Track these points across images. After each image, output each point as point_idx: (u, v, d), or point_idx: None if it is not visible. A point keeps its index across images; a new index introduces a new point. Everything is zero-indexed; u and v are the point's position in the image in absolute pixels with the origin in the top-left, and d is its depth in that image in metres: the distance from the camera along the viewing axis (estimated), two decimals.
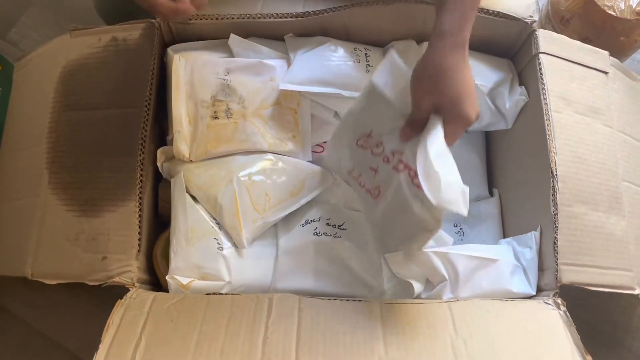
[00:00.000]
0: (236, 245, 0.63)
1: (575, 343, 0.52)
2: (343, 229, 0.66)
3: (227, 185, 0.62)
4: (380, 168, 0.57)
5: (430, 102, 0.50)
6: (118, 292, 0.56)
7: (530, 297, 0.61)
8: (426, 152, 0.48)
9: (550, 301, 0.57)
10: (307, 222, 0.66)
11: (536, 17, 0.69)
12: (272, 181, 0.65)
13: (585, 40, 0.75)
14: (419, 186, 0.48)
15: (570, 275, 0.58)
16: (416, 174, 0.48)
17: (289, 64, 0.68)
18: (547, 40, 0.68)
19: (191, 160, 0.65)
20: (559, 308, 0.56)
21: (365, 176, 0.59)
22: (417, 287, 0.61)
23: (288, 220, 0.67)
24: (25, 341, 0.73)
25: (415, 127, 0.52)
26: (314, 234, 0.65)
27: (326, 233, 0.65)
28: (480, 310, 0.55)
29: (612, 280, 0.60)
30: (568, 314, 0.55)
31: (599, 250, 0.60)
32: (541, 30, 0.69)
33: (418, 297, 0.62)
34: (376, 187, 0.58)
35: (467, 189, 0.49)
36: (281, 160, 0.67)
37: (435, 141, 0.49)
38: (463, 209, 0.47)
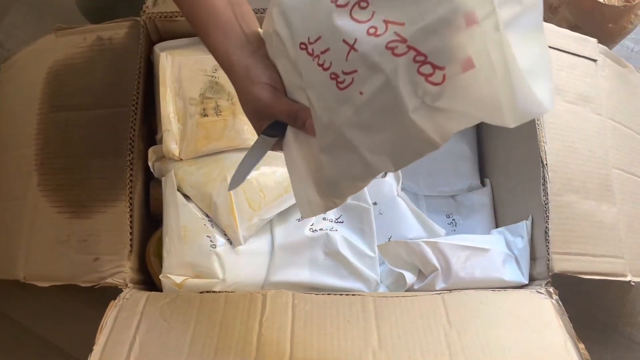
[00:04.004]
0: (229, 242, 0.63)
1: (568, 332, 0.53)
2: (339, 222, 0.66)
3: (221, 184, 0.62)
4: (361, 44, 0.36)
5: None
6: (112, 291, 0.56)
7: (522, 286, 0.62)
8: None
9: (543, 290, 0.57)
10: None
11: None
12: (267, 177, 0.64)
13: (574, 28, 0.74)
14: (428, 77, 0.34)
15: (562, 264, 0.58)
16: (426, 59, 0.33)
17: None
18: None
19: (181, 159, 0.65)
20: (551, 297, 0.56)
21: (333, 52, 0.38)
22: (409, 277, 0.61)
23: (284, 215, 0.67)
24: (19, 342, 0.73)
25: None
26: (310, 230, 0.65)
27: (322, 229, 0.65)
28: (473, 301, 0.55)
29: (604, 268, 0.60)
30: (560, 303, 0.56)
31: (590, 238, 0.60)
32: None
33: (411, 288, 0.62)
34: (349, 71, 0.38)
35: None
36: (274, 156, 0.66)
37: None
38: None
